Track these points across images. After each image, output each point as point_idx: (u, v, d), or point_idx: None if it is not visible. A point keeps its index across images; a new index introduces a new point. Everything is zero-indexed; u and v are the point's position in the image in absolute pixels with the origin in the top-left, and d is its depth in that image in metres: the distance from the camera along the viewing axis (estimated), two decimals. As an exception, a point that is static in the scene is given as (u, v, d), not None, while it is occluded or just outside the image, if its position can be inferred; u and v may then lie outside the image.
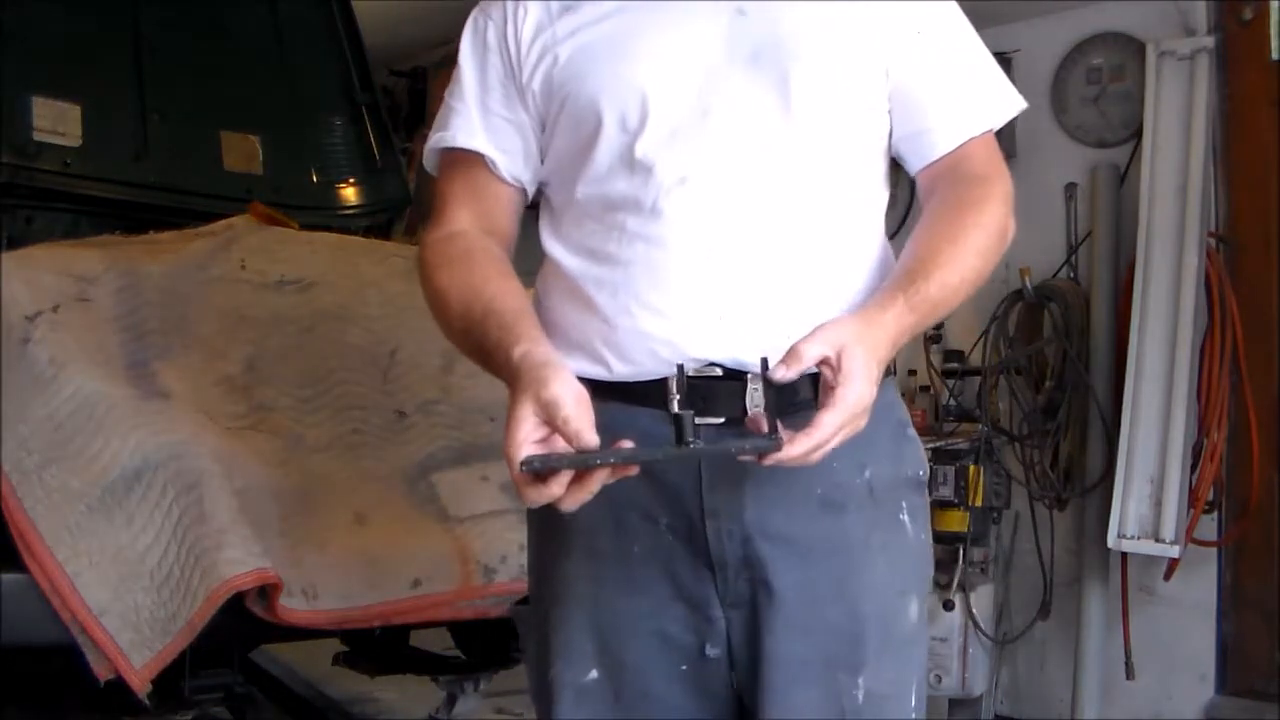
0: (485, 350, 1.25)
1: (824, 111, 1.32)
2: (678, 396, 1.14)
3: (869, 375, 1.17)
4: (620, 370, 1.30)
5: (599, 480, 1.13)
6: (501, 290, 1.29)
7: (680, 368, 1.17)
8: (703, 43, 1.31)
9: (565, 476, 1.11)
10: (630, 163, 1.31)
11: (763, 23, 1.32)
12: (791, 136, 1.31)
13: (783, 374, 1.15)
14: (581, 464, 1.10)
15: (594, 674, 1.35)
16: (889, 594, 1.35)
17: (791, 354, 1.16)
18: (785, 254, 1.30)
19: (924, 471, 1.42)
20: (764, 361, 1.17)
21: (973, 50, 1.42)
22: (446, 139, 1.42)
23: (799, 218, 1.31)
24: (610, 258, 1.32)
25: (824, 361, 1.17)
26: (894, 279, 1.28)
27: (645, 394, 1.25)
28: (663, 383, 1.17)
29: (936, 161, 1.39)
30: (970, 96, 1.40)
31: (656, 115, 1.30)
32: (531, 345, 1.20)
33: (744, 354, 1.27)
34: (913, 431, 1.43)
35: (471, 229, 1.39)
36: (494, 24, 1.40)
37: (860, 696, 1.32)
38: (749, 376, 1.25)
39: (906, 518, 1.38)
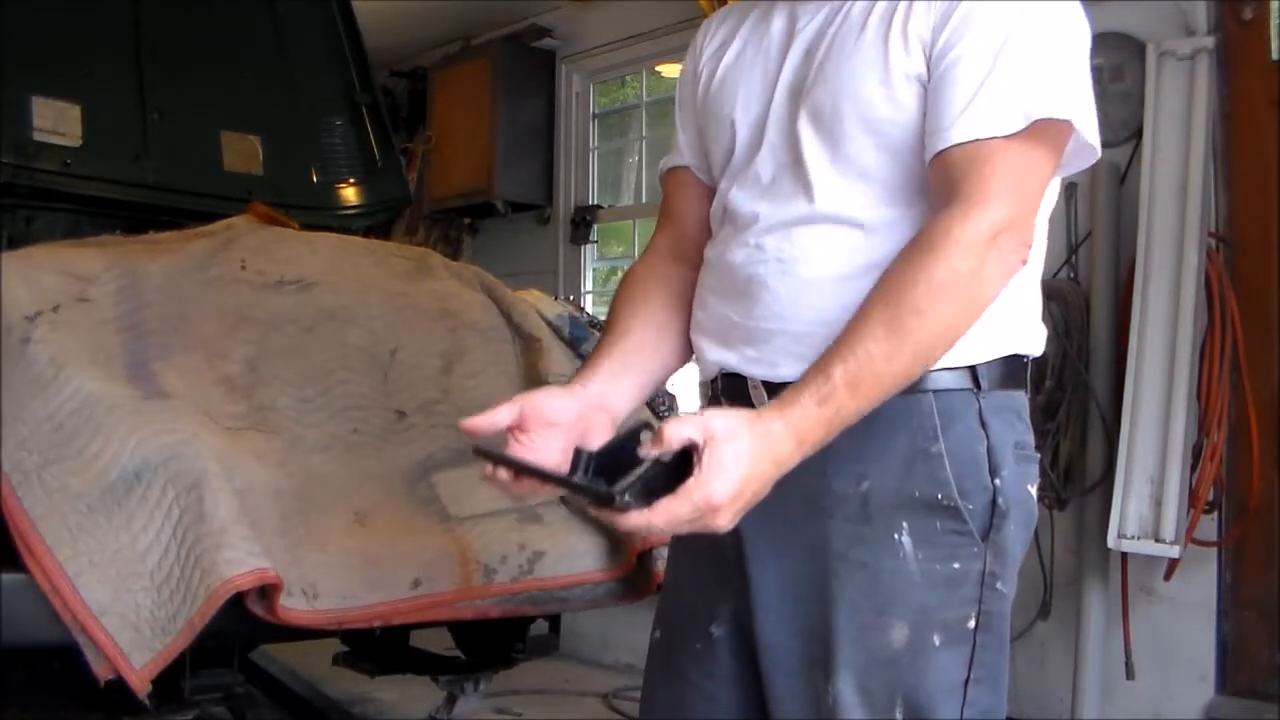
0: None
1: (866, 158, 1.33)
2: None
3: (730, 475, 1.14)
4: None
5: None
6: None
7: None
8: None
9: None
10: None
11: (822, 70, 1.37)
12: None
13: (648, 452, 1.15)
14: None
15: (657, 634, 1.55)
16: (864, 610, 1.32)
17: (658, 436, 1.15)
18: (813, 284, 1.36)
19: (958, 499, 1.31)
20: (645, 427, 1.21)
21: (1008, 51, 1.25)
22: None
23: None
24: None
25: (693, 447, 1.15)
26: (812, 366, 1.21)
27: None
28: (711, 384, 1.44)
29: (930, 165, 1.28)
30: (977, 97, 1.24)
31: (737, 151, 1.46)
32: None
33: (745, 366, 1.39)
34: (952, 454, 1.32)
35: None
36: None
37: (831, 700, 1.32)
38: (748, 381, 1.38)
39: (906, 539, 1.30)
